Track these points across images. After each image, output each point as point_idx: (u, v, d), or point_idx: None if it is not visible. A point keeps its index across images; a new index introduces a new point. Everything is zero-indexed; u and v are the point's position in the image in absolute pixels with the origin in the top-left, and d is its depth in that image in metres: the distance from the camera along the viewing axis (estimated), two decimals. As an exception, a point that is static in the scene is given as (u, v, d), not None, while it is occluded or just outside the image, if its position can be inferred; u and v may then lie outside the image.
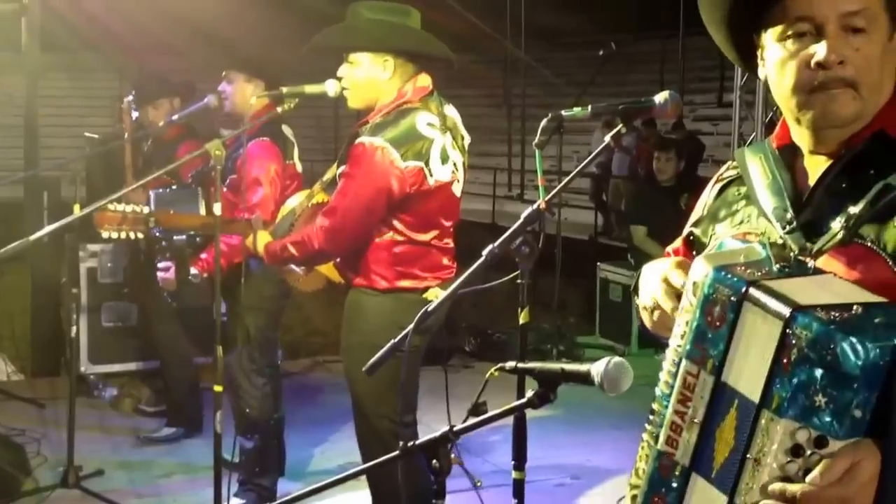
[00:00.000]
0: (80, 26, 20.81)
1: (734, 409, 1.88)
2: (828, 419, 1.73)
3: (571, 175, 3.00)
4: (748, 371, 1.86)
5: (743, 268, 1.94)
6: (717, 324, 1.92)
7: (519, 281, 3.11)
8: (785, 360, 1.77)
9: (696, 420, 1.97)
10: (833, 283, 1.91)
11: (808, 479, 1.75)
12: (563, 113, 3.19)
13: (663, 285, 2.16)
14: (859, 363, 1.68)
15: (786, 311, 1.77)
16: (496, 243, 2.94)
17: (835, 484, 1.74)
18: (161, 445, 7.15)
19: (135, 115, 7.02)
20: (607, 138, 2.91)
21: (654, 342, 9.99)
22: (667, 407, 2.02)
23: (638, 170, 16.46)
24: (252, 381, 5.93)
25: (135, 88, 7.26)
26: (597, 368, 2.12)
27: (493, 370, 2.37)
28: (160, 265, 5.78)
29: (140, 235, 5.00)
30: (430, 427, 2.30)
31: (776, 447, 1.78)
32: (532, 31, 25.51)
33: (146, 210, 4.95)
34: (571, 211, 17.19)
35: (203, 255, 5.59)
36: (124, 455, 6.98)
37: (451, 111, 4.84)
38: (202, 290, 5.74)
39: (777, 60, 2.07)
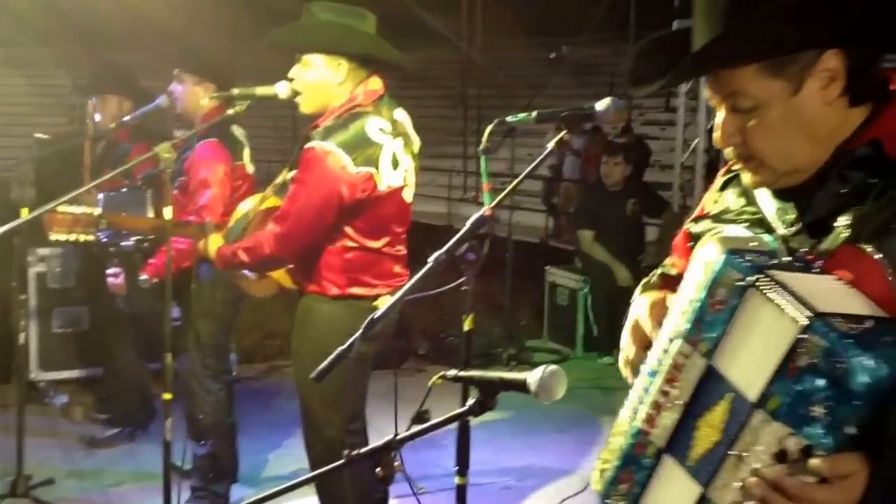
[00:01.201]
0: (32, 20, 20.59)
1: (726, 402, 1.87)
2: (820, 431, 1.72)
3: (515, 182, 3.02)
4: (745, 363, 1.85)
5: (755, 255, 1.93)
6: (719, 307, 1.90)
7: (464, 288, 3.11)
8: (792, 365, 1.75)
9: (679, 401, 1.96)
10: (839, 287, 1.91)
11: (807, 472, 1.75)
12: (508, 119, 3.21)
13: (632, 329, 2.23)
14: (867, 381, 1.68)
15: (804, 316, 1.75)
16: (442, 250, 2.95)
17: (828, 488, 1.75)
18: (112, 453, 7.13)
19: (97, 117, 6.98)
20: (550, 144, 2.95)
21: (598, 346, 10.08)
22: (652, 383, 2.02)
23: (588, 173, 16.51)
24: (205, 386, 5.92)
25: (91, 76, 7.22)
26: (532, 378, 2.16)
27: (435, 378, 2.39)
28: (109, 271, 5.76)
29: (90, 238, 4.96)
30: (381, 431, 2.32)
31: (762, 448, 1.79)
32: (488, 32, 25.56)
33: (97, 212, 4.92)
34: (523, 214, 17.18)
35: (152, 261, 5.58)
36: (75, 463, 6.95)
37: (401, 115, 4.83)
38: (154, 295, 5.73)
39: None
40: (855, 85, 2.03)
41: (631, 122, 18.86)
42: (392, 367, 5.54)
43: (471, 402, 2.26)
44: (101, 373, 7.69)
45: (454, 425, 2.52)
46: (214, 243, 4.94)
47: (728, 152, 2.12)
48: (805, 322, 1.74)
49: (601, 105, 2.96)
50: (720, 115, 2.10)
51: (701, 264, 1.97)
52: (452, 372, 2.36)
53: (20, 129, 18.68)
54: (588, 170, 16.14)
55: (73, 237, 4.86)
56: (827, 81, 2.01)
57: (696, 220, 2.39)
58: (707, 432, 1.90)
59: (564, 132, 2.96)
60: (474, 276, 3.05)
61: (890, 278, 1.90)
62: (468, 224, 3.01)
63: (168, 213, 4.74)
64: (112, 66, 7.97)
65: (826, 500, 1.76)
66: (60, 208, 4.79)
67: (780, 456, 1.76)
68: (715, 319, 1.91)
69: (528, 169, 3.04)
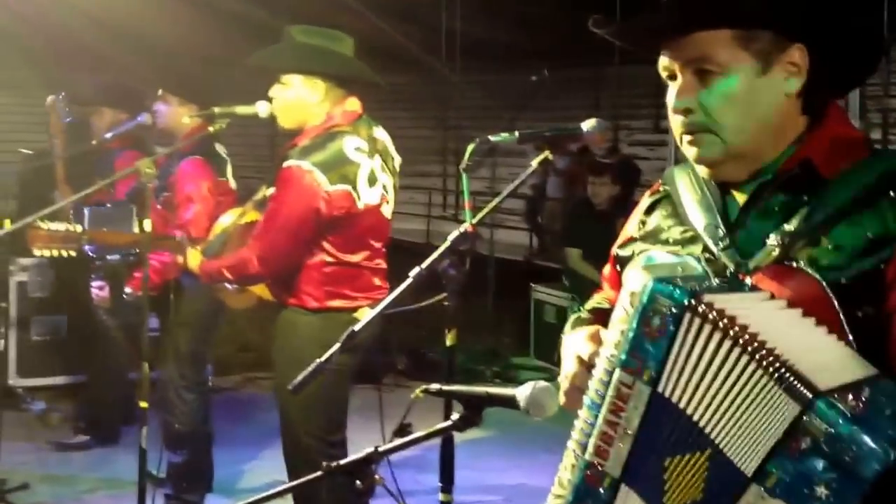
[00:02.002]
0: (18, 41, 20.57)
1: (704, 458, 1.85)
2: None
3: (497, 200, 3.02)
4: (729, 422, 1.82)
5: (682, 280, 1.92)
6: (657, 335, 1.88)
7: (446, 303, 3.11)
8: (794, 445, 1.73)
9: (629, 431, 1.94)
10: (772, 304, 1.92)
11: None
12: (491, 138, 3.19)
13: (575, 362, 2.20)
14: (878, 469, 1.66)
15: (805, 395, 1.73)
16: (423, 265, 2.95)
17: None
18: (87, 460, 7.13)
19: (67, 119, 6.98)
20: (534, 164, 2.94)
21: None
22: (597, 416, 1.99)
23: (573, 193, 16.51)
24: (182, 396, 5.93)
25: (80, 92, 7.21)
26: (522, 393, 2.10)
27: (417, 391, 2.35)
28: (94, 284, 5.77)
29: (73, 253, 4.99)
30: (360, 447, 2.29)
31: None
32: (468, 53, 25.54)
33: (79, 228, 4.94)
34: (505, 232, 17.19)
35: (137, 274, 5.58)
36: (50, 469, 6.96)
37: (380, 134, 4.92)
38: (138, 307, 5.72)
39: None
40: (810, 92, 2.09)
41: (618, 143, 18.89)
42: (372, 381, 5.51)
43: (455, 416, 2.21)
44: (85, 380, 7.68)
45: (439, 441, 2.48)
46: (194, 258, 4.98)
47: (677, 125, 2.12)
48: (806, 401, 1.73)
49: (587, 125, 2.96)
50: (676, 83, 2.11)
51: (629, 294, 1.96)
52: (436, 385, 2.31)
53: (4, 144, 18.62)
54: (574, 189, 16.15)
55: (55, 252, 4.88)
56: (789, 74, 2.06)
57: (623, 245, 2.41)
58: (682, 481, 1.88)
59: (548, 152, 2.96)
60: (456, 291, 3.05)
61: (829, 293, 1.93)
62: (449, 240, 3.01)
63: (148, 227, 4.77)
64: (109, 79, 7.97)
65: None
66: (44, 225, 4.83)
67: None
68: (654, 347, 1.90)
69: (512, 186, 3.04)
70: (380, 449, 2.25)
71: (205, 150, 5.85)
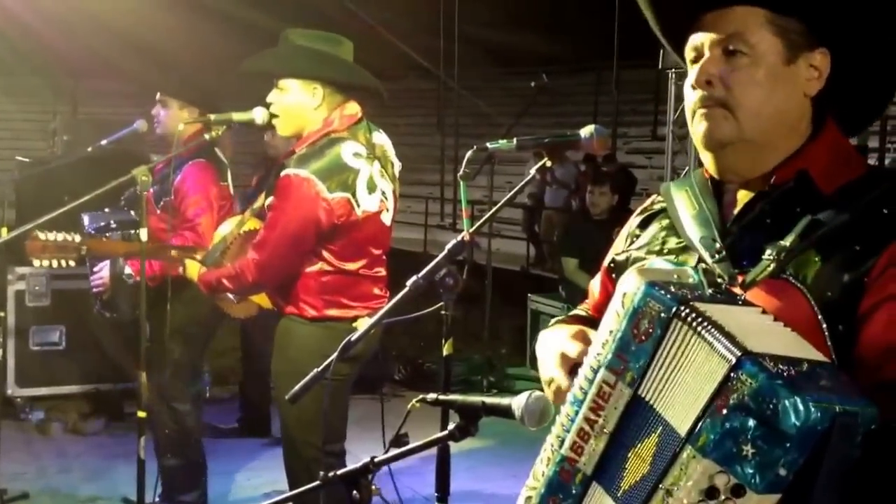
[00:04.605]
0: (16, 47, 20.60)
1: (656, 436, 1.86)
2: (750, 471, 1.70)
3: (495, 208, 3.00)
4: (676, 397, 1.84)
5: (676, 287, 1.93)
6: (643, 337, 1.89)
7: (443, 312, 3.10)
8: (721, 402, 1.73)
9: (606, 430, 1.95)
10: (763, 319, 1.92)
11: None
12: (489, 145, 3.17)
13: (559, 359, 2.19)
14: (797, 424, 1.66)
15: (734, 353, 1.74)
16: (420, 274, 2.93)
17: None
18: (86, 470, 7.08)
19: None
20: (532, 171, 2.92)
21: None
22: (578, 413, 2.00)
23: (572, 202, 16.52)
24: (173, 404, 5.90)
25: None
26: (518, 402, 2.11)
27: (414, 402, 2.34)
28: (94, 269, 5.67)
29: (72, 263, 4.98)
30: (358, 458, 2.29)
31: (691, 484, 1.76)
32: (466, 60, 25.58)
33: (77, 238, 4.93)
34: (503, 241, 17.22)
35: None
36: (50, 479, 6.93)
37: (380, 138, 4.88)
38: (134, 301, 5.63)
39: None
40: (820, 102, 2.11)
41: (616, 151, 18.90)
42: (374, 392, 5.49)
43: (451, 426, 2.21)
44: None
45: (435, 451, 2.48)
46: (192, 268, 4.98)
47: (694, 100, 2.12)
48: (734, 360, 1.73)
49: (585, 132, 2.93)
50: (704, 58, 2.11)
51: (621, 296, 1.96)
52: (432, 395, 2.31)
53: (6, 152, 18.67)
54: (573, 199, 16.17)
55: (54, 262, 4.87)
56: (810, 75, 2.09)
57: (619, 253, 2.41)
58: (637, 463, 1.89)
59: (546, 159, 2.94)
60: (453, 301, 3.04)
61: (816, 309, 1.93)
62: (447, 249, 2.99)
63: (144, 235, 4.75)
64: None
65: None
66: (42, 235, 4.83)
67: (710, 492, 1.75)
68: (639, 350, 1.90)
69: (510, 194, 3.03)
70: (376, 459, 2.25)
71: (209, 154, 5.80)
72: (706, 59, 2.10)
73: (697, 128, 2.12)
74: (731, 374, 1.73)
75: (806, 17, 2.07)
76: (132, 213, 5.65)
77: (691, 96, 2.13)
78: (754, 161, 2.12)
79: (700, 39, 2.13)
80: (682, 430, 1.80)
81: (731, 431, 1.72)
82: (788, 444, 1.68)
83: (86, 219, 5.59)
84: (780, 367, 1.72)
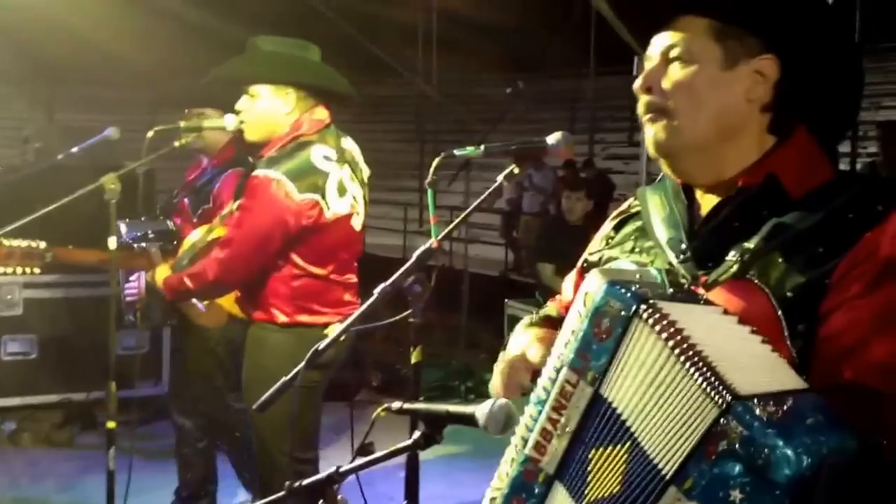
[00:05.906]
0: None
1: (625, 451, 1.85)
2: None
3: (463, 215, 2.97)
4: (650, 414, 1.83)
5: (637, 286, 1.93)
6: (604, 336, 1.90)
7: (411, 320, 3.08)
8: (711, 448, 1.72)
9: (568, 429, 1.96)
10: (722, 318, 1.93)
11: None
12: (456, 152, 3.17)
13: (521, 357, 2.27)
14: (789, 474, 1.65)
15: (723, 398, 1.72)
16: (388, 282, 2.91)
17: None
18: (58, 482, 7.04)
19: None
20: (500, 178, 2.91)
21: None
22: (541, 413, 2.02)
23: (550, 208, 16.54)
24: (196, 447, 6.00)
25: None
26: (482, 410, 2.08)
27: (379, 410, 2.33)
28: (129, 279, 5.56)
29: (37, 270, 4.94)
30: (334, 464, 2.27)
31: None
32: (445, 67, 25.63)
33: (42, 245, 4.89)
34: (481, 247, 17.21)
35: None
36: (21, 490, 6.92)
37: (349, 144, 4.88)
38: (166, 311, 5.57)
39: None
40: (779, 110, 2.12)
41: (593, 157, 18.96)
42: (345, 398, 5.47)
43: (416, 435, 2.19)
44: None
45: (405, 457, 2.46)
46: (162, 274, 4.91)
47: (640, 107, 2.16)
48: (724, 405, 1.72)
49: (552, 139, 2.92)
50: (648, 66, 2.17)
51: (583, 295, 1.98)
52: (397, 404, 2.30)
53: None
54: (550, 205, 16.20)
55: (19, 269, 4.84)
56: (754, 81, 2.10)
57: (592, 253, 2.47)
58: (604, 476, 1.89)
59: (514, 166, 2.93)
60: (421, 308, 3.02)
61: (777, 308, 1.94)
62: (415, 256, 2.98)
63: (113, 243, 4.71)
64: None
65: None
66: (6, 241, 4.79)
67: None
68: (601, 349, 1.91)
69: (478, 201, 3.00)
70: (341, 469, 2.23)
71: (244, 163, 5.72)
72: (652, 68, 2.15)
73: (646, 135, 2.18)
74: (721, 419, 1.72)
75: (747, 25, 2.09)
76: (168, 223, 5.62)
77: (640, 102, 2.17)
78: (706, 166, 2.14)
79: (651, 49, 2.17)
80: (665, 466, 1.79)
81: (720, 477, 1.71)
82: (778, 492, 1.66)
83: (123, 228, 5.51)
84: (769, 408, 1.71)
